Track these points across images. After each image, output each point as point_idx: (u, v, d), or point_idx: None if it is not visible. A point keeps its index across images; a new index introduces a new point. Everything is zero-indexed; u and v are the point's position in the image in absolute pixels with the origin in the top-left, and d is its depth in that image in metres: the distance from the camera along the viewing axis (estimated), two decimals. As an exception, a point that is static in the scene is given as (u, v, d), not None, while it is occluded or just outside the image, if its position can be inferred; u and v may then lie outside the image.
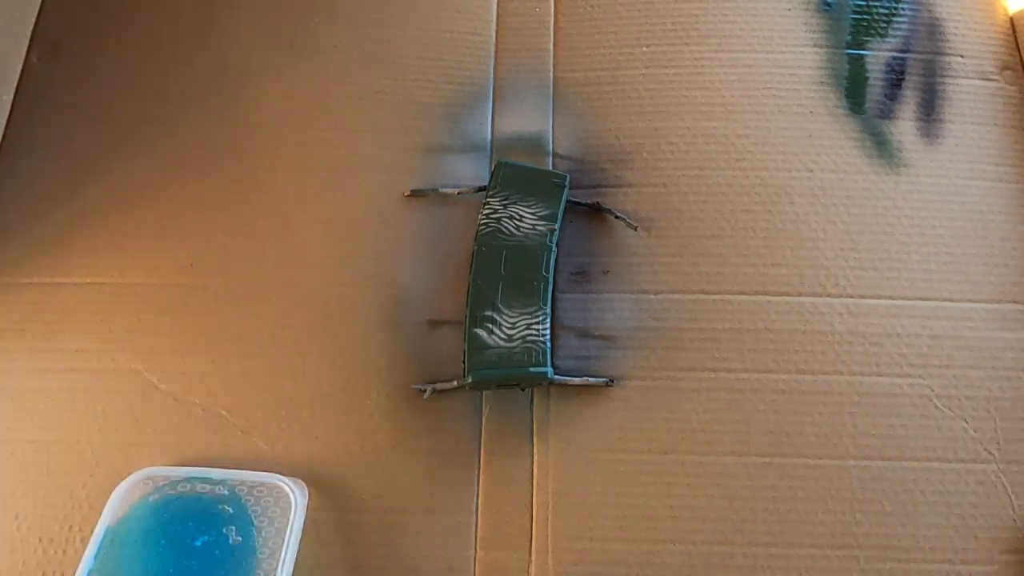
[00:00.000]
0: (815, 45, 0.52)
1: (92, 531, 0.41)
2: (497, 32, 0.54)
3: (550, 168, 0.50)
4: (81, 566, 0.36)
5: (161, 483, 0.40)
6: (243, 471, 0.40)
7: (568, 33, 0.53)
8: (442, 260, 0.48)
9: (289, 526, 0.38)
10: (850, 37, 0.53)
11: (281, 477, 0.40)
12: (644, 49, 0.53)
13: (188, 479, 0.39)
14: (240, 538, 0.38)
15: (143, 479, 0.40)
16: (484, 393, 0.45)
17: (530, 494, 0.43)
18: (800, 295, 0.46)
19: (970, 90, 0.51)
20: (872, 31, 0.53)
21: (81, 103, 0.52)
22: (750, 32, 0.53)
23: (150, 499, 0.39)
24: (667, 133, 0.50)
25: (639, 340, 0.46)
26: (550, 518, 0.42)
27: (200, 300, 0.47)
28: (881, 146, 0.50)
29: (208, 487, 0.40)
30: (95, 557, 0.36)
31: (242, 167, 0.50)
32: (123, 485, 0.38)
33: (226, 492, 0.39)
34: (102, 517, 0.35)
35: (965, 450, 0.43)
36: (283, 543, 0.38)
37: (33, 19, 0.54)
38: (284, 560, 0.37)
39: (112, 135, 0.51)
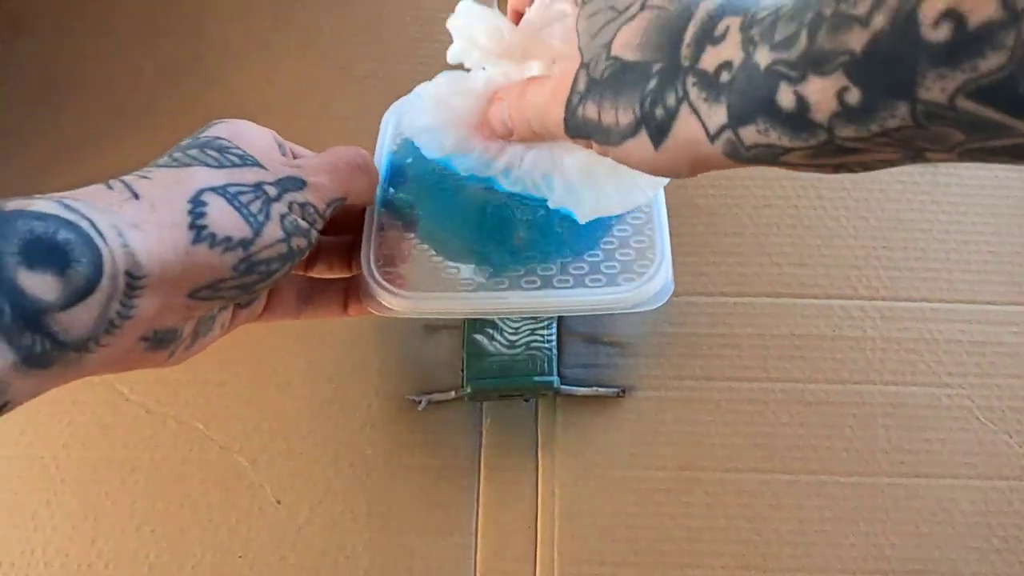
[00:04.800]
0: (844, 24, 0.51)
1: (56, 555, 0.41)
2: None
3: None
4: None
5: None
6: None
7: (575, 12, 0.53)
8: (438, 259, 0.47)
9: None
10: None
11: None
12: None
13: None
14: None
15: None
16: (484, 404, 0.44)
17: (534, 514, 0.42)
18: (829, 297, 0.46)
19: (1013, 73, 0.50)
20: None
21: (47, 88, 0.51)
22: (773, 10, 0.52)
23: None
24: (683, 120, 0.49)
25: (653, 347, 0.45)
26: (556, 540, 0.41)
27: (175, 302, 0.46)
28: (917, 135, 0.49)
29: None
30: None
31: (221, 158, 0.50)
32: None
33: None
34: None
35: (1009, 467, 0.42)
36: None
37: (-6, -4, 0.54)
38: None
39: (81, 123, 0.50)
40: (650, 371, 0.44)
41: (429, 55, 0.52)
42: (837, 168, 0.21)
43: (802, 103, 0.19)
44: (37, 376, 0.22)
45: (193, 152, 0.28)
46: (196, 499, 0.42)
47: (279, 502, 0.42)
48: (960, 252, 0.46)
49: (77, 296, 0.21)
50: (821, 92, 0.18)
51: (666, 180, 0.33)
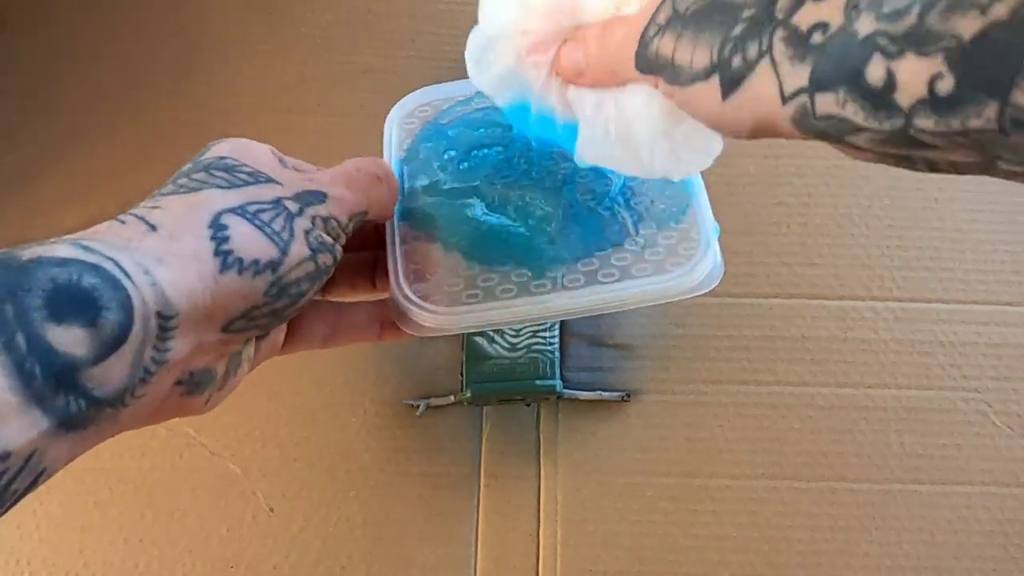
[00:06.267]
0: (854, 18, 0.51)
1: (42, 565, 0.40)
2: (498, 4, 0.53)
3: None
4: None
5: None
6: None
7: (578, 5, 0.52)
8: (437, 259, 0.47)
9: None
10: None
11: None
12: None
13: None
14: None
15: None
16: (484, 409, 0.43)
17: (536, 522, 0.41)
18: (840, 298, 0.45)
19: (1029, 67, 0.50)
20: None
21: (35, 86, 0.51)
22: None
23: None
24: (689, 116, 0.49)
25: (658, 349, 0.44)
26: (559, 549, 0.41)
27: (166, 304, 0.46)
28: (931, 130, 0.49)
29: None
30: None
31: (213, 155, 0.49)
32: None
33: None
34: None
35: (1026, 473, 0.41)
36: None
37: (-21, -9, 0.53)
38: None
39: (70, 121, 0.50)
40: (656, 374, 0.44)
41: (428, 50, 0.51)
42: (900, 161, 0.20)
43: (890, 81, 0.18)
44: (73, 439, 0.20)
45: (199, 176, 0.25)
46: (186, 508, 0.41)
47: (272, 510, 0.41)
48: (976, 252, 0.46)
49: (109, 347, 0.20)
50: (914, 74, 0.17)
51: (719, 149, 0.31)
